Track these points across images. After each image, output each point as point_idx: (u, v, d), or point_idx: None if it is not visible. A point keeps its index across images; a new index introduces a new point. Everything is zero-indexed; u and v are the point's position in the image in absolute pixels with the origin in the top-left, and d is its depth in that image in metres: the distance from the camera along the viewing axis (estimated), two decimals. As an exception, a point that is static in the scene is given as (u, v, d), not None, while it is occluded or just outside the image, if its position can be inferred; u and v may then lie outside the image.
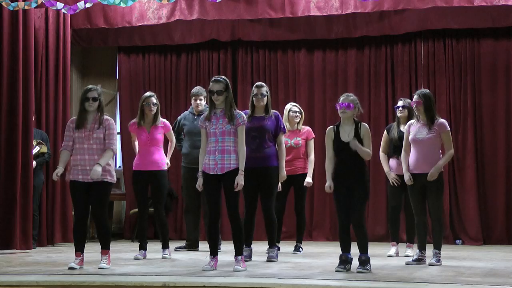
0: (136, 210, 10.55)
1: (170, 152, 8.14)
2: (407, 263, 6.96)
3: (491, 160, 10.27)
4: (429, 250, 7.04)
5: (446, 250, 8.77)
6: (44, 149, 9.10)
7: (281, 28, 10.73)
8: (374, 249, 7.86)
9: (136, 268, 6.59)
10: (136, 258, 7.57)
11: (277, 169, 7.30)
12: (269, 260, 7.21)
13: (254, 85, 7.43)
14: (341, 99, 6.52)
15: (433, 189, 6.92)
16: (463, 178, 10.28)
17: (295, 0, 9.49)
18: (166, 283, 5.54)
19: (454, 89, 10.44)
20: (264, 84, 7.42)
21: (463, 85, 10.41)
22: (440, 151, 7.11)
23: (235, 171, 6.38)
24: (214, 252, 6.47)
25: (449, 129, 7.06)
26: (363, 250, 6.31)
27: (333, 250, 8.47)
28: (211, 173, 6.43)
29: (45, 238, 9.39)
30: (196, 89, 8.60)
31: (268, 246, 7.38)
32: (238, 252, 6.41)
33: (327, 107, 10.74)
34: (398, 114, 7.98)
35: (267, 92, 7.30)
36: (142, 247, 7.75)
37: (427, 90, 7.19)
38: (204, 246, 9.17)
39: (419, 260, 6.97)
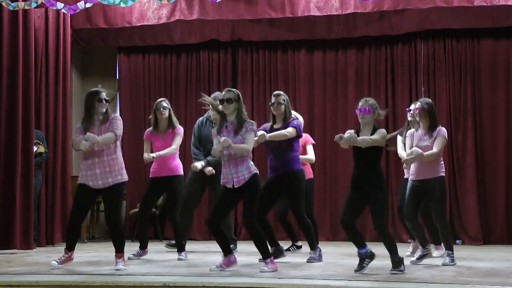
0: (137, 210, 10.58)
1: (163, 151, 7.67)
2: (412, 262, 7.01)
3: (491, 160, 10.27)
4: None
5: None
6: (42, 149, 9.10)
7: (281, 28, 10.73)
8: (374, 249, 7.85)
9: (136, 268, 6.59)
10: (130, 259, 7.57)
11: (301, 172, 7.27)
12: (309, 260, 7.28)
13: (272, 93, 7.41)
14: (360, 104, 6.44)
15: (437, 195, 6.95)
16: (463, 178, 10.28)
17: (295, 0, 9.49)
18: (166, 283, 5.54)
19: (454, 89, 10.44)
20: (281, 92, 7.36)
21: (463, 85, 10.41)
22: (442, 158, 7.10)
23: (251, 180, 6.37)
24: (227, 251, 6.48)
25: (445, 135, 7.02)
26: (392, 252, 6.28)
27: (333, 250, 8.49)
28: (229, 186, 6.44)
29: (44, 238, 9.38)
30: (215, 94, 8.19)
31: (310, 249, 7.41)
32: (264, 256, 6.39)
33: (327, 107, 10.74)
34: (409, 118, 7.80)
35: (284, 101, 7.26)
36: (142, 247, 7.77)
37: (430, 100, 7.22)
38: (201, 246, 9.20)
39: (424, 255, 7.12)
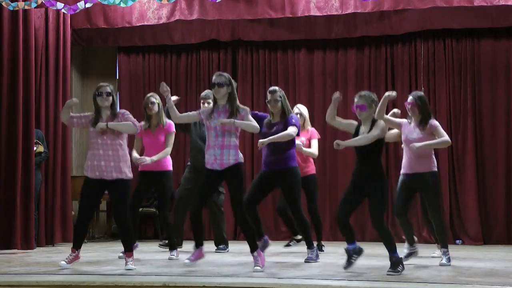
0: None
1: (158, 155, 7.59)
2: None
3: (491, 160, 10.27)
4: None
5: (446, 250, 8.78)
6: (41, 148, 9.10)
7: (281, 28, 10.73)
8: (374, 249, 7.86)
9: (136, 268, 6.58)
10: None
11: (297, 170, 7.26)
12: (307, 261, 7.19)
13: (268, 90, 7.40)
14: (355, 100, 6.49)
15: (430, 188, 6.91)
16: (463, 178, 10.28)
17: (295, 0, 9.49)
18: (166, 283, 5.54)
19: (454, 89, 10.44)
20: (277, 88, 7.34)
21: (463, 85, 10.42)
22: (433, 152, 7.10)
23: (234, 167, 6.39)
24: (199, 242, 6.50)
25: (439, 126, 6.99)
26: (390, 250, 6.18)
27: (333, 250, 8.49)
28: (208, 167, 6.45)
29: (44, 238, 9.38)
30: (205, 92, 8.45)
31: (306, 247, 7.34)
32: (252, 248, 6.39)
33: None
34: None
35: (280, 97, 7.24)
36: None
37: (422, 93, 7.24)
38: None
39: (411, 254, 7.06)
